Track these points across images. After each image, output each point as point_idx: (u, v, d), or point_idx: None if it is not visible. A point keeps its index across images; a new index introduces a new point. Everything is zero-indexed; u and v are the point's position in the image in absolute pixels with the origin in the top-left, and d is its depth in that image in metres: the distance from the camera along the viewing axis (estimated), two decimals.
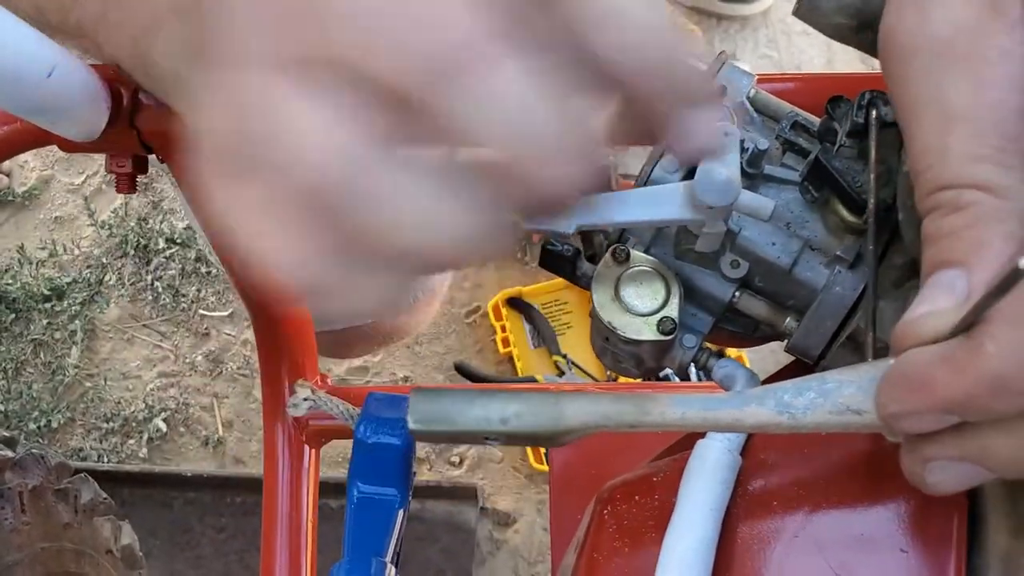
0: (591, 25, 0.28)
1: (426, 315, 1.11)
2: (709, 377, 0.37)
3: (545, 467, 1.35)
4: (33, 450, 0.82)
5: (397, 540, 0.45)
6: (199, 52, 0.32)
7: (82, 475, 0.82)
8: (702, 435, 0.32)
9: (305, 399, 0.53)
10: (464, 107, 0.27)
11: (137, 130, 0.43)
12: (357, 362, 1.48)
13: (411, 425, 0.29)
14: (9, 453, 0.80)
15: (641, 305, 0.36)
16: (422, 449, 1.43)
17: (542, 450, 1.30)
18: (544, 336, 1.41)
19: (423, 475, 1.43)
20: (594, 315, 0.37)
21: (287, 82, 0.28)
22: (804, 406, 0.27)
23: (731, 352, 1.37)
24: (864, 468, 0.30)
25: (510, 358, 1.42)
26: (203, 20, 0.32)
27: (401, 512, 0.44)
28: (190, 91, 0.34)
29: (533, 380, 1.35)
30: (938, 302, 0.24)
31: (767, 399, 0.27)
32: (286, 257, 0.30)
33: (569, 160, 0.28)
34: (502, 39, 0.27)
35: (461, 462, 1.43)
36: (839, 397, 0.27)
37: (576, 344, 1.39)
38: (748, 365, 1.33)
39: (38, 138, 0.46)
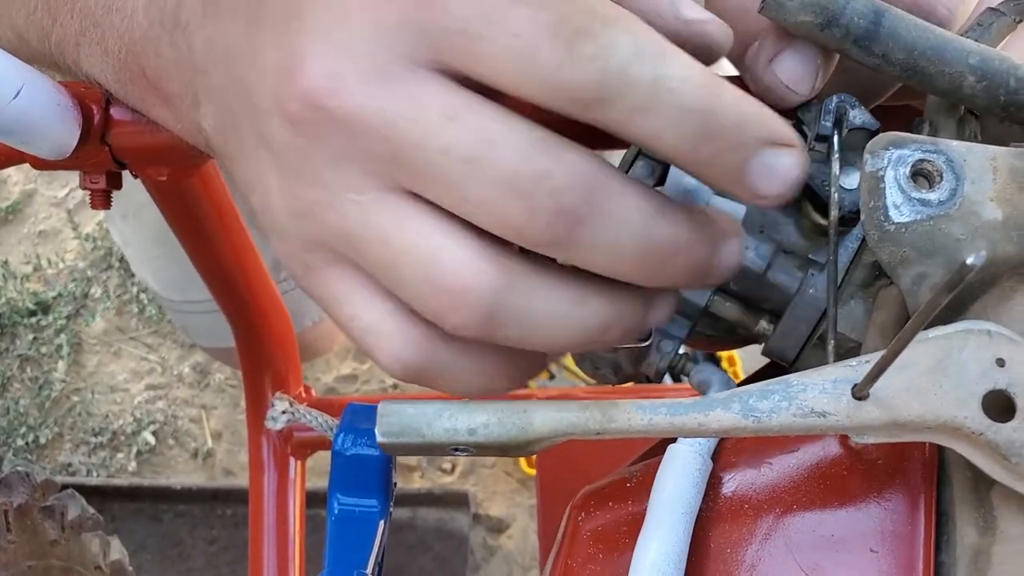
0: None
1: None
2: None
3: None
4: (18, 467, 0.81)
5: (379, 551, 0.45)
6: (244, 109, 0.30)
7: (69, 491, 0.82)
8: (675, 440, 0.32)
9: (283, 412, 0.53)
10: (597, 247, 0.27)
11: (109, 146, 0.43)
12: (346, 370, 1.48)
13: (379, 438, 0.29)
14: None
15: None
16: (413, 457, 1.43)
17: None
18: None
19: (414, 482, 1.43)
20: None
21: (402, 205, 0.28)
22: (769, 409, 0.27)
23: (722, 353, 1.37)
24: (833, 469, 0.30)
25: None
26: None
27: (382, 523, 0.44)
28: (235, 154, 0.31)
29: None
30: None
31: (732, 403, 0.27)
32: (395, 346, 0.29)
33: (704, 250, 0.29)
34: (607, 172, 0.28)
35: (453, 469, 1.43)
36: (803, 400, 0.27)
37: None
38: (740, 366, 1.31)
39: (10, 157, 0.45)
